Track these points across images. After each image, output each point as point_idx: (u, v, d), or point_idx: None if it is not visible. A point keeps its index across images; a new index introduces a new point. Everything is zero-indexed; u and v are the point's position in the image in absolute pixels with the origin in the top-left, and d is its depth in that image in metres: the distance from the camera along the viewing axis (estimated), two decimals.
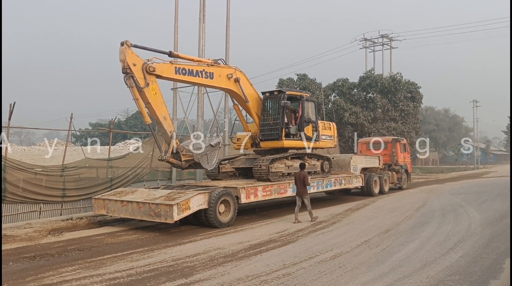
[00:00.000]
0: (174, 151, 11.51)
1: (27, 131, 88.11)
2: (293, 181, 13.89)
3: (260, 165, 13.57)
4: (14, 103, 11.85)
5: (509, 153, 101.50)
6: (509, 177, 33.85)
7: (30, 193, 12.33)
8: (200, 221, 11.35)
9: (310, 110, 15.44)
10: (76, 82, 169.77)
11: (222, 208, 11.46)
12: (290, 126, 14.64)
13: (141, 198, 11.16)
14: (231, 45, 18.58)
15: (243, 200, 12.10)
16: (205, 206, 10.99)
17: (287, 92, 14.62)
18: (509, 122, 46.80)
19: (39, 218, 12.57)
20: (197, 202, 10.78)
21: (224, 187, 12.17)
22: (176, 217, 10.18)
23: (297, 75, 34.63)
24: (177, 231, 10.95)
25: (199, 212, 11.04)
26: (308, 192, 12.73)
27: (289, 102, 14.57)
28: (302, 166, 12.98)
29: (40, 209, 12.74)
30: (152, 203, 10.60)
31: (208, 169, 12.70)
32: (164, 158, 11.52)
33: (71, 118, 13.81)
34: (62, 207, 13.34)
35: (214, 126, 19.99)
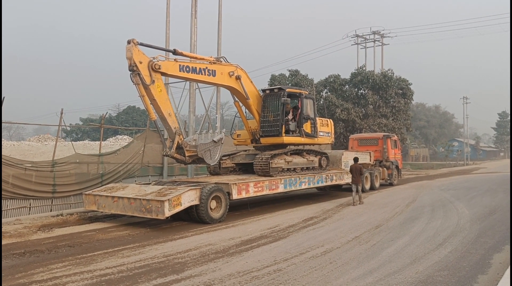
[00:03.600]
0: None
1: (16, 126, 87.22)
2: (286, 177, 14.25)
3: (261, 160, 13.84)
4: (4, 97, 11.70)
5: (498, 150, 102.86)
6: (498, 174, 34.31)
7: (19, 189, 12.20)
8: (191, 217, 11.34)
9: (309, 107, 15.70)
10: (66, 77, 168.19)
11: (213, 204, 11.46)
12: (290, 122, 14.90)
13: (132, 194, 11.11)
14: (223, 40, 18.55)
15: (235, 196, 12.13)
16: (196, 202, 10.98)
17: (287, 90, 14.94)
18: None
19: (29, 214, 12.47)
20: (188, 198, 10.77)
21: (215, 183, 12.18)
22: (167, 213, 10.17)
23: (289, 71, 34.63)
24: (168, 227, 10.93)
25: (190, 208, 11.02)
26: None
27: (289, 99, 14.88)
28: (356, 160, 16.05)
29: (30, 205, 12.63)
30: (143, 199, 10.56)
31: (211, 164, 12.92)
32: (168, 153, 11.83)
33: (61, 113, 13.68)
34: (52, 203, 13.22)
35: (206, 121, 19.96)
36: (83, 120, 67.22)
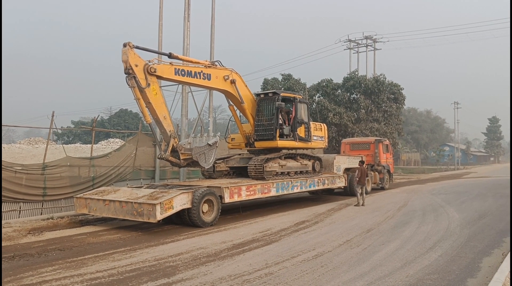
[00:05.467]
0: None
1: (7, 128, 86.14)
2: (278, 181, 14.34)
3: (255, 164, 13.92)
4: None
5: (488, 155, 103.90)
6: (488, 178, 34.66)
7: (9, 192, 12.07)
8: (183, 221, 11.31)
9: (303, 111, 15.80)
10: (58, 79, 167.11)
11: (205, 207, 11.44)
12: (284, 126, 14.97)
13: (124, 197, 11.06)
14: (217, 39, 18.63)
15: (227, 199, 12.12)
16: (188, 205, 10.96)
17: (281, 94, 15.01)
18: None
19: (19, 218, 12.34)
20: (180, 201, 10.74)
21: (207, 186, 12.16)
22: (159, 216, 10.13)
23: (282, 75, 34.72)
24: (159, 231, 10.89)
25: (182, 212, 10.99)
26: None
27: (283, 103, 14.95)
28: (362, 162, 16.99)
29: (20, 208, 12.50)
30: (135, 202, 10.52)
31: (206, 167, 12.95)
32: (163, 156, 11.84)
33: (52, 116, 13.59)
34: (42, 206, 13.11)
35: (199, 125, 19.94)
36: (75, 123, 66.71)
